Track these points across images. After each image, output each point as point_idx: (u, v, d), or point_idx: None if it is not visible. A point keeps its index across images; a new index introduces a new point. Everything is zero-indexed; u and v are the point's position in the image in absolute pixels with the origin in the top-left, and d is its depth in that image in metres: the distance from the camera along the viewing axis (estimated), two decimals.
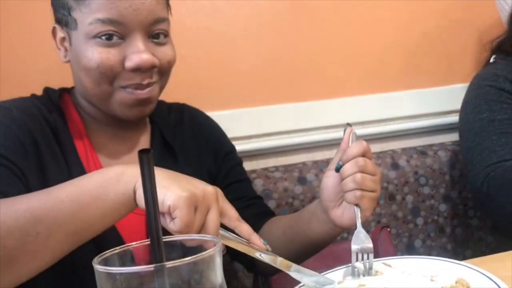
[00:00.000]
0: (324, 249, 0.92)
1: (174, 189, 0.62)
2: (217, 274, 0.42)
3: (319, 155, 1.42)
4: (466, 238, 1.39)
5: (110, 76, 0.81)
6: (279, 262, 0.67)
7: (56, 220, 0.62)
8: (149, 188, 0.35)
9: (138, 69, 0.81)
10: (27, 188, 0.77)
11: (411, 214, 1.35)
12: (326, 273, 0.73)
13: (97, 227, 0.65)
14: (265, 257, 0.67)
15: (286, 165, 1.33)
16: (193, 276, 0.39)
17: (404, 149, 1.42)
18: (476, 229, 1.40)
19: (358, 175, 0.76)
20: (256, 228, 0.95)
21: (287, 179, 1.28)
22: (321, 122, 1.42)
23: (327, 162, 1.34)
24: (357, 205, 0.78)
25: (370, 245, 0.75)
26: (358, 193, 0.77)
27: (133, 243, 0.45)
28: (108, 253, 0.42)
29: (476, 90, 1.23)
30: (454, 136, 1.51)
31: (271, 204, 1.24)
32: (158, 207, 0.37)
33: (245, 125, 1.35)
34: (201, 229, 0.64)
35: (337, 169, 0.79)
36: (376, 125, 1.47)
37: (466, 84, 1.29)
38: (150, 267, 0.38)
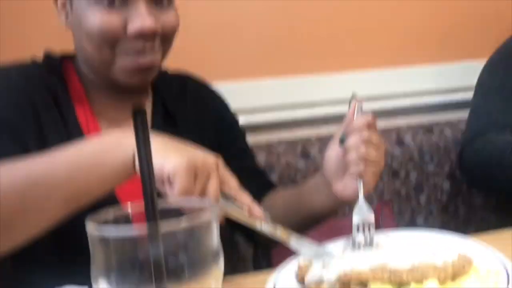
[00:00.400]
0: (325, 224, 0.92)
1: (173, 156, 0.60)
2: (213, 240, 0.41)
3: (323, 130, 1.40)
4: (469, 217, 1.38)
5: (111, 41, 0.79)
6: (279, 232, 0.66)
7: (54, 184, 0.62)
8: (142, 148, 0.33)
9: (141, 35, 0.79)
10: (26, 152, 0.75)
11: (414, 191, 1.34)
12: (326, 244, 0.72)
13: (95, 192, 0.64)
14: (265, 227, 0.66)
15: (289, 139, 1.32)
16: (188, 241, 0.38)
17: (409, 126, 1.40)
18: (479, 209, 1.39)
19: (362, 147, 0.75)
20: (258, 200, 0.94)
21: (290, 153, 1.27)
22: (327, 96, 1.40)
23: (331, 137, 1.32)
24: (360, 177, 0.77)
25: (372, 217, 0.74)
26: (361, 166, 0.75)
27: (129, 203, 0.44)
28: (102, 214, 0.41)
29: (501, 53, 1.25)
30: (461, 114, 1.48)
31: (273, 178, 1.22)
32: (152, 168, 0.36)
33: (249, 97, 1.33)
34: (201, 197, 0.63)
35: (341, 141, 0.78)
36: (382, 101, 1.44)
37: (476, 63, 1.27)
38: (144, 231, 0.37)
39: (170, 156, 0.60)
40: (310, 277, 0.61)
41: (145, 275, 0.38)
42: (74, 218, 0.64)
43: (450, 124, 1.41)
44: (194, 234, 0.39)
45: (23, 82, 0.81)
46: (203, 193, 0.62)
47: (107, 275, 0.39)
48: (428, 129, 1.38)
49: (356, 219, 0.74)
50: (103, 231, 0.37)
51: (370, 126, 0.77)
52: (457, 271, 0.56)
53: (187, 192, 0.60)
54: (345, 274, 0.57)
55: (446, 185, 1.36)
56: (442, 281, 0.55)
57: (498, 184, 1.15)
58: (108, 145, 0.64)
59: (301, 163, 1.26)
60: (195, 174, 0.61)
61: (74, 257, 0.75)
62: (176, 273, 0.39)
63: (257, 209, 0.67)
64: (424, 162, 1.34)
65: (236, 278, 0.73)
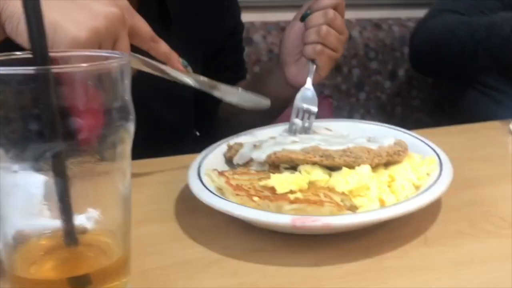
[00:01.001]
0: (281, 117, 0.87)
1: (67, 27, 0.47)
2: (118, 94, 0.34)
3: (269, 16, 1.31)
4: (405, 117, 1.39)
5: None
6: (202, 81, 0.61)
7: None
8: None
9: None
10: None
11: (354, 88, 1.31)
12: (264, 128, 0.68)
13: None
14: (186, 78, 0.60)
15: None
16: (87, 90, 0.32)
17: (358, 20, 1.34)
18: (416, 110, 1.40)
19: (324, 27, 0.69)
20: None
21: None
22: None
23: (276, 24, 1.25)
24: (313, 61, 0.72)
25: (315, 105, 0.70)
26: (318, 47, 0.70)
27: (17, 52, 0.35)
28: None
29: None
30: (412, 13, 1.44)
31: None
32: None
33: None
34: None
35: (303, 18, 0.72)
36: None
37: None
38: (30, 69, 0.29)
39: (63, 27, 0.47)
40: (238, 157, 0.57)
41: (35, 131, 0.32)
42: None
43: (399, 21, 1.37)
44: (95, 82, 0.32)
45: None
46: None
47: None
48: (377, 24, 1.33)
49: (297, 103, 0.70)
50: None
51: (338, 7, 0.71)
52: (392, 157, 0.54)
53: None
54: (275, 154, 0.53)
55: (387, 83, 1.35)
56: (375, 167, 0.53)
57: (444, 63, 1.13)
58: None
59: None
60: (99, 44, 0.49)
61: None
62: (73, 131, 0.32)
63: (176, 62, 0.59)
64: (369, 58, 1.31)
65: (162, 159, 0.69)
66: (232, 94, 0.65)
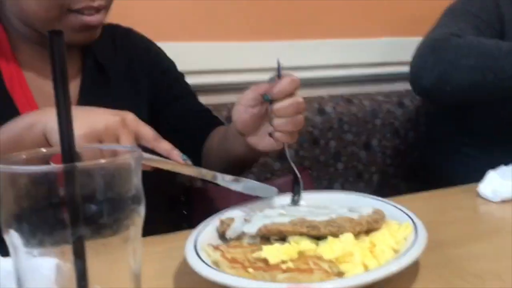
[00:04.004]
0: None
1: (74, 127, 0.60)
2: (133, 184, 0.39)
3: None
4: (382, 184, 1.45)
5: (64, 2, 0.77)
6: (204, 173, 0.69)
7: None
8: (58, 69, 0.31)
9: None
10: None
11: (332, 159, 1.38)
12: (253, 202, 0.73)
13: None
14: (190, 171, 0.68)
15: (215, 104, 1.31)
16: (106, 182, 0.37)
17: (331, 96, 1.44)
18: (392, 177, 1.47)
19: (300, 118, 0.71)
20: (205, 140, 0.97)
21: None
22: (251, 63, 1.40)
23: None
24: (285, 141, 0.74)
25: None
26: (295, 134, 0.73)
27: (43, 149, 0.41)
28: (13, 156, 0.38)
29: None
30: (379, 87, 1.56)
31: None
32: (69, 97, 0.33)
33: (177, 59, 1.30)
34: None
35: (267, 100, 0.73)
36: (305, 71, 1.46)
37: (397, 39, 1.30)
38: (58, 168, 0.34)
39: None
40: (231, 231, 0.62)
41: (59, 219, 0.36)
42: None
43: (368, 96, 1.47)
44: (113, 175, 0.37)
45: None
46: None
47: (18, 221, 0.37)
48: (348, 99, 1.43)
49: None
50: (13, 169, 0.35)
51: (296, 90, 0.74)
52: (372, 225, 0.59)
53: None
54: (266, 227, 0.58)
55: (362, 154, 1.42)
56: (357, 235, 0.58)
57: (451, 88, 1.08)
58: (20, 130, 0.66)
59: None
60: (99, 140, 0.63)
61: None
62: (93, 217, 0.37)
63: (176, 156, 0.68)
64: (343, 131, 1.39)
65: (156, 237, 0.72)
66: (236, 183, 0.70)
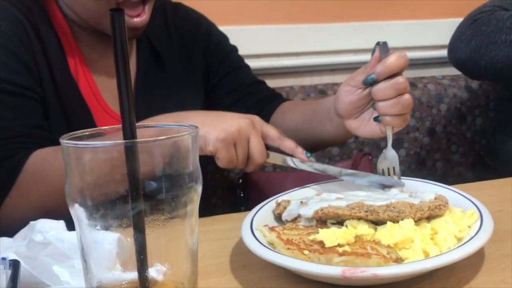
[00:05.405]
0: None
1: (212, 133, 0.69)
2: (191, 162, 0.40)
3: (307, 80, 1.39)
4: (446, 172, 1.40)
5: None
6: (330, 170, 0.71)
7: None
8: (119, 47, 0.32)
9: None
10: (48, 111, 0.81)
11: (394, 145, 1.34)
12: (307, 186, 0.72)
13: None
14: (312, 167, 0.71)
15: (273, 88, 1.31)
16: (165, 158, 0.37)
17: None
18: (456, 165, 1.41)
19: (406, 97, 0.67)
20: (266, 114, 0.96)
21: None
22: (311, 47, 1.38)
23: (314, 87, 1.32)
24: (389, 125, 0.71)
25: (397, 165, 0.74)
26: (407, 116, 0.69)
27: (106, 127, 0.42)
28: (78, 133, 0.40)
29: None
30: (445, 71, 1.49)
31: None
32: (129, 73, 0.34)
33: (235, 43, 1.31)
34: (248, 159, 0.72)
35: (368, 82, 0.69)
36: (367, 54, 1.43)
37: (458, 19, 1.24)
38: (120, 144, 0.35)
39: (209, 133, 0.69)
40: (287, 213, 0.62)
41: (121, 193, 0.38)
42: None
43: (433, 79, 1.41)
44: (171, 152, 0.38)
45: (13, 28, 0.80)
46: (245, 156, 0.71)
47: (82, 195, 0.38)
48: (412, 83, 1.38)
49: (380, 166, 0.74)
50: (78, 144, 0.36)
51: (403, 68, 0.68)
52: (434, 211, 0.57)
53: (229, 161, 0.70)
54: (322, 210, 0.57)
55: (426, 140, 1.37)
56: (417, 221, 0.56)
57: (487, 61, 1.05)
58: None
59: None
60: (234, 142, 0.70)
61: None
62: (153, 193, 0.38)
63: (300, 154, 0.72)
64: None
65: (213, 217, 0.74)
66: (360, 178, 0.70)
